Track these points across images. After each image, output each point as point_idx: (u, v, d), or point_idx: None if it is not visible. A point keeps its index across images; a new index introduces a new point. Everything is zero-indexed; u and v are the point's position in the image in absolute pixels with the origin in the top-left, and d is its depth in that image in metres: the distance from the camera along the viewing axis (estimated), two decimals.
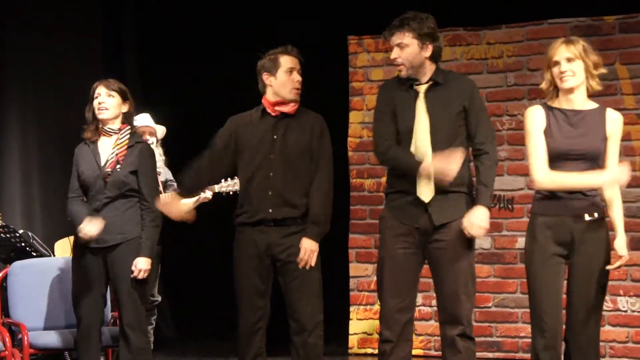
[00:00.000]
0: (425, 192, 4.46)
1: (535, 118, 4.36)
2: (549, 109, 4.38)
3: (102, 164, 5.09)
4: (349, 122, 7.31)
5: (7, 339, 5.27)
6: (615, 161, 4.37)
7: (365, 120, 7.19)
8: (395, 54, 4.53)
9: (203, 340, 7.84)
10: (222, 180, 5.83)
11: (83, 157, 5.15)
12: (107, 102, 5.10)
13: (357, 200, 7.30)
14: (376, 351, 4.66)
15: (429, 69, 4.55)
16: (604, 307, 4.50)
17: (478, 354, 6.54)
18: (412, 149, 4.48)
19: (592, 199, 4.34)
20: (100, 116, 5.10)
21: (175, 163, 6.41)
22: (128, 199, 5.08)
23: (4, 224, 6.31)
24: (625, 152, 6.49)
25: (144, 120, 6.18)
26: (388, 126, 4.57)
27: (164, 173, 6.22)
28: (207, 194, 5.89)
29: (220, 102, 7.51)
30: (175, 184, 6.24)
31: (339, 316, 7.17)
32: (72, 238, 5.43)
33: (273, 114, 4.84)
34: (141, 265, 5.01)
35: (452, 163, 4.36)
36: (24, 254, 6.12)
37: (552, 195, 4.34)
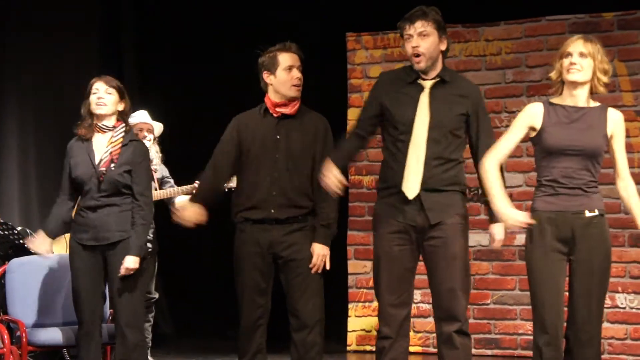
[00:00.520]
0: (410, 188, 4.46)
1: (527, 115, 4.41)
2: (549, 106, 4.39)
3: (97, 162, 5.08)
4: (347, 119, 7.31)
5: (5, 336, 5.27)
6: (625, 161, 4.40)
7: None
8: (415, 42, 4.47)
9: (201, 337, 7.84)
10: None
11: (76, 153, 5.13)
12: (105, 98, 5.09)
13: (355, 197, 7.30)
14: (374, 348, 4.65)
15: (439, 65, 4.54)
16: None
17: (477, 351, 6.53)
18: (409, 141, 4.48)
19: (592, 195, 4.35)
20: (97, 111, 5.09)
21: (173, 161, 6.41)
22: (125, 196, 5.07)
23: (2, 221, 6.31)
24: (624, 149, 6.49)
25: (141, 116, 6.17)
26: (366, 113, 4.65)
27: (160, 170, 6.21)
28: None
29: (219, 101, 7.53)
30: (171, 181, 6.24)
31: (338, 313, 7.16)
32: (68, 236, 5.43)
33: (275, 114, 4.84)
34: (128, 263, 4.99)
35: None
36: (22, 251, 6.11)
37: (552, 192, 4.35)
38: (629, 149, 6.54)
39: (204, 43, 7.84)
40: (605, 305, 4.29)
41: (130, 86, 7.75)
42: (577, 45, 4.34)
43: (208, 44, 7.83)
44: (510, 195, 6.81)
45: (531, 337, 4.46)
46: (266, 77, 4.84)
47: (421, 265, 4.62)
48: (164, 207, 6.03)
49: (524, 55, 6.91)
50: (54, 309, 5.47)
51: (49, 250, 5.26)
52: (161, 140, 6.37)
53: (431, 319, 6.88)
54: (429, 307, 6.82)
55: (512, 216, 4.32)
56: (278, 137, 4.81)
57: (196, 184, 5.78)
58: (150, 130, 6.18)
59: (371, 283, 7.02)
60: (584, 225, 4.32)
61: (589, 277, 4.32)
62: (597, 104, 4.42)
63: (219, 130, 4.99)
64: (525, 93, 6.87)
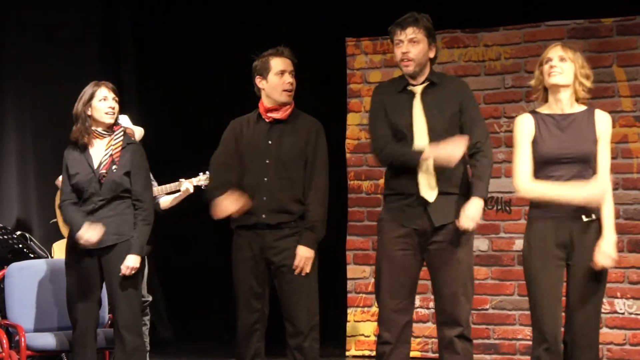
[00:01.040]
0: (428, 192, 4.46)
1: (522, 127, 4.40)
2: (537, 116, 4.40)
3: (96, 166, 5.08)
4: (346, 124, 7.31)
5: (4, 341, 5.27)
6: (607, 163, 4.38)
7: (363, 122, 7.18)
8: (405, 48, 4.50)
9: (200, 342, 7.82)
10: (201, 173, 5.82)
11: (74, 160, 5.13)
12: (115, 107, 5.12)
13: (354, 202, 7.30)
14: (373, 353, 4.65)
15: (427, 70, 4.57)
16: (602, 310, 4.51)
17: (476, 356, 6.52)
18: (412, 147, 4.47)
19: None
20: (108, 120, 5.11)
21: (174, 163, 6.42)
22: (123, 200, 5.08)
23: (1, 225, 6.31)
24: (623, 154, 6.50)
25: (122, 121, 6.17)
26: (383, 126, 4.57)
27: None
28: (187, 186, 5.84)
29: (218, 104, 7.52)
30: (155, 183, 6.23)
31: (336, 318, 7.16)
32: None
33: (267, 119, 4.84)
34: (129, 262, 4.99)
35: (455, 148, 4.34)
36: (21, 256, 6.11)
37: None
38: (628, 154, 6.57)
39: (204, 47, 7.83)
40: (604, 311, 4.30)
41: (129, 89, 7.77)
42: (556, 51, 4.37)
43: (207, 47, 7.82)
44: (510, 200, 6.87)
45: (530, 342, 4.46)
46: (259, 81, 4.85)
47: (421, 270, 4.61)
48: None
49: (523, 60, 6.91)
50: (53, 313, 5.47)
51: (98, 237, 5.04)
52: (143, 144, 6.35)
53: (430, 324, 6.88)
54: (427, 312, 6.82)
55: (589, 189, 4.24)
56: (270, 142, 4.81)
57: (180, 180, 5.78)
58: (131, 135, 6.17)
59: (370, 288, 7.04)
60: (582, 230, 4.32)
61: (586, 282, 4.32)
62: (583, 107, 4.42)
63: (219, 134, 5.00)
64: (524, 98, 6.87)
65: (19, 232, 6.49)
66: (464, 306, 4.49)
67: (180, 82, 7.84)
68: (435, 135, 4.46)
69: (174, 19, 7.91)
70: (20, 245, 6.17)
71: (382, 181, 4.95)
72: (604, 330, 6.45)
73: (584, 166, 4.34)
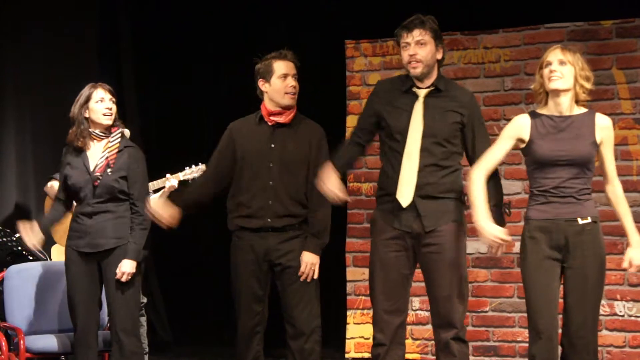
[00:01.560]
0: (404, 195, 4.46)
1: (513, 127, 4.45)
2: (536, 117, 4.41)
3: (92, 168, 5.07)
4: (346, 126, 7.31)
5: (3, 343, 5.27)
6: (613, 168, 4.41)
7: None
8: (412, 50, 4.51)
9: (199, 344, 7.82)
10: (187, 167, 5.82)
11: (71, 161, 5.13)
12: (112, 108, 5.10)
13: (354, 204, 7.29)
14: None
15: (434, 73, 4.56)
16: (601, 312, 4.51)
17: (475, 359, 6.52)
18: (403, 149, 4.49)
19: (584, 203, 4.36)
20: (105, 122, 5.10)
21: (172, 162, 6.40)
22: (121, 202, 5.08)
23: (0, 227, 6.30)
24: (623, 157, 6.49)
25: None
26: (363, 121, 4.66)
27: None
28: (173, 182, 5.83)
29: (218, 104, 7.53)
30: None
31: (336, 320, 7.17)
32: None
33: (270, 123, 4.84)
34: (125, 267, 4.99)
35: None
36: (21, 258, 6.10)
37: (544, 201, 4.37)
38: (628, 156, 6.56)
39: (203, 49, 7.84)
40: (604, 313, 4.29)
41: (129, 89, 7.77)
42: (556, 54, 4.37)
43: (207, 50, 7.83)
44: (509, 203, 6.86)
45: None
46: (261, 84, 4.85)
47: (419, 272, 4.61)
48: None
49: (523, 62, 6.91)
50: (52, 315, 5.47)
51: (36, 245, 5.20)
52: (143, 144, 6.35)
53: (429, 326, 6.88)
54: (427, 314, 6.81)
55: (489, 230, 4.32)
56: (272, 145, 4.81)
57: (166, 176, 5.77)
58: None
59: None
60: (577, 232, 4.34)
61: (583, 284, 4.33)
62: (583, 110, 4.42)
63: (219, 134, 4.99)
64: (524, 100, 6.86)
65: (17, 235, 6.48)
66: (457, 308, 4.50)
67: (180, 82, 7.84)
68: (430, 141, 4.48)
69: (174, 19, 7.92)
70: (19, 248, 6.17)
71: None
72: (603, 332, 6.45)
73: (581, 169, 4.35)
